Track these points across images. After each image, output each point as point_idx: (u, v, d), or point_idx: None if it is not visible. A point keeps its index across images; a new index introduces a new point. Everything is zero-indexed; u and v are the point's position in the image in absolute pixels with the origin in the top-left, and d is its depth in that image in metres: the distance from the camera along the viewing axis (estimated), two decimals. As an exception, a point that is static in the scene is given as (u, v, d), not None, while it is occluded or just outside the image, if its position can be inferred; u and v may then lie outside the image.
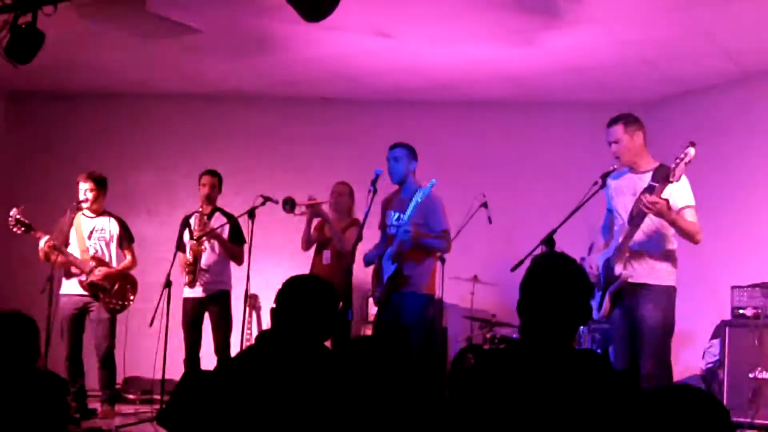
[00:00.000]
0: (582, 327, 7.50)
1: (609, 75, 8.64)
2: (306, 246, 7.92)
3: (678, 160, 5.13)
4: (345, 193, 7.94)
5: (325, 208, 7.79)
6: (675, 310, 5.46)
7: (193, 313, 7.82)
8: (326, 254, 7.81)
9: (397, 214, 6.70)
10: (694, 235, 5.38)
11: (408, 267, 6.55)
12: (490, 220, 8.44)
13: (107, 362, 7.64)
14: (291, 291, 3.56)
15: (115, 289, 7.64)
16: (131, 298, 7.76)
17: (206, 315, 7.87)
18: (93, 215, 7.75)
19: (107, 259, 7.71)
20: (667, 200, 5.27)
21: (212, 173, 7.99)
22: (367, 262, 6.94)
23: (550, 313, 3.00)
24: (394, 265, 6.55)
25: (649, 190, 5.27)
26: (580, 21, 7.16)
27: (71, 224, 7.67)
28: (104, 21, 7.27)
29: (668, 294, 5.42)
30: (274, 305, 3.58)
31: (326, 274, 7.36)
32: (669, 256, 5.48)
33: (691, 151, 5.10)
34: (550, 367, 2.90)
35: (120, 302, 7.66)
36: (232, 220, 7.89)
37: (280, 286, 3.63)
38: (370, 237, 7.00)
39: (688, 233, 5.37)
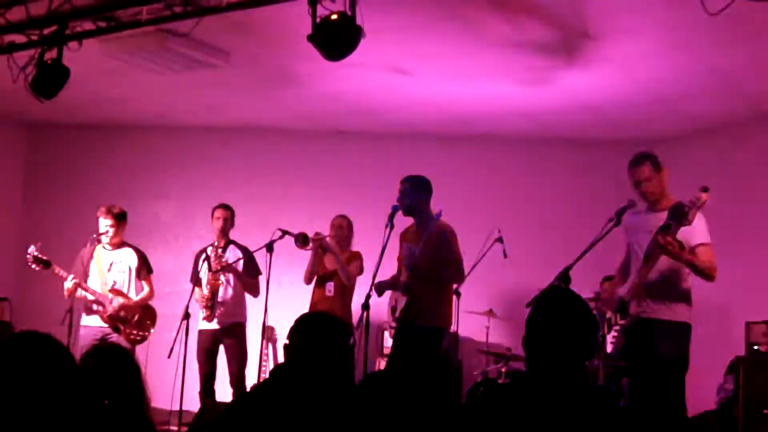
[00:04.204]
0: (596, 361, 7.51)
1: (624, 113, 8.69)
2: (308, 279, 8.02)
3: (691, 204, 5.17)
4: (344, 226, 8.05)
5: (330, 241, 7.91)
6: (689, 346, 5.48)
7: (208, 345, 7.87)
8: (329, 286, 7.91)
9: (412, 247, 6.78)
10: (709, 273, 5.42)
11: (420, 299, 6.60)
12: (505, 254, 8.49)
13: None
14: (303, 328, 3.60)
15: (134, 320, 7.68)
16: (151, 329, 7.80)
17: (221, 347, 7.94)
18: (112, 248, 7.83)
19: (126, 291, 7.77)
20: (680, 242, 5.30)
21: (225, 207, 8.08)
22: (378, 291, 6.94)
23: (554, 348, 3.05)
24: (405, 296, 6.62)
25: (665, 228, 5.31)
26: (596, 59, 7.23)
27: (91, 257, 7.74)
28: (127, 56, 7.38)
29: (682, 330, 5.45)
30: (286, 341, 3.64)
31: (329, 305, 7.50)
32: (684, 294, 5.52)
33: (703, 196, 5.15)
34: (555, 402, 2.95)
35: (140, 333, 7.70)
36: (246, 253, 7.97)
37: (293, 321, 3.69)
38: (390, 269, 7.06)
39: (703, 272, 5.41)
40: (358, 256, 7.93)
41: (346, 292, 7.90)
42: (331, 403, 3.37)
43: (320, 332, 3.58)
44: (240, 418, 3.44)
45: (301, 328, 3.60)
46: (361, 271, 7.85)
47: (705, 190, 5.16)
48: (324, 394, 3.42)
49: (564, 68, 7.49)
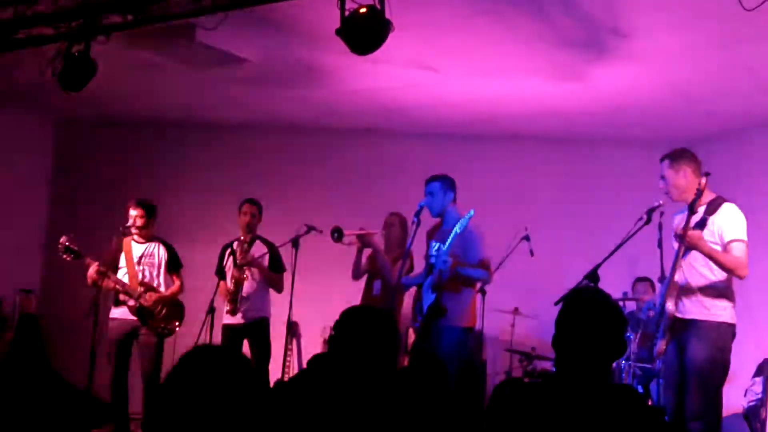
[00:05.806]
0: (623, 362, 7.46)
1: (653, 112, 8.63)
2: (356, 276, 7.95)
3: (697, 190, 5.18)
4: (396, 224, 7.95)
5: (378, 239, 7.82)
6: (728, 347, 5.34)
7: (232, 340, 7.86)
8: (376, 285, 7.82)
9: (437, 245, 6.74)
10: (735, 269, 5.29)
11: (447, 298, 6.59)
12: (532, 252, 8.44)
13: (152, 386, 7.62)
14: (348, 321, 3.58)
15: (163, 314, 7.66)
16: (178, 322, 7.78)
17: (245, 342, 7.93)
18: (143, 241, 7.82)
19: (155, 284, 7.76)
20: (699, 231, 5.25)
21: (252, 202, 8.07)
22: (405, 286, 7.02)
23: (584, 347, 3.06)
24: (434, 294, 6.60)
25: (701, 224, 5.26)
26: (626, 58, 7.16)
27: (119, 249, 7.75)
28: (154, 51, 7.38)
29: (719, 330, 5.32)
30: (331, 332, 3.62)
31: (375, 305, 7.39)
32: (722, 291, 5.38)
33: (702, 180, 5.24)
34: (584, 402, 2.93)
35: (168, 326, 7.68)
36: (272, 248, 7.96)
37: (335, 315, 3.65)
38: (417, 268, 7.03)
39: (727, 267, 5.29)
40: (405, 255, 7.82)
41: (391, 291, 7.79)
42: (370, 395, 3.34)
43: (364, 327, 3.54)
44: (278, 406, 3.42)
45: (346, 320, 3.58)
46: (410, 270, 7.65)
47: (706, 174, 5.21)
48: (364, 386, 3.40)
49: (594, 67, 7.43)
